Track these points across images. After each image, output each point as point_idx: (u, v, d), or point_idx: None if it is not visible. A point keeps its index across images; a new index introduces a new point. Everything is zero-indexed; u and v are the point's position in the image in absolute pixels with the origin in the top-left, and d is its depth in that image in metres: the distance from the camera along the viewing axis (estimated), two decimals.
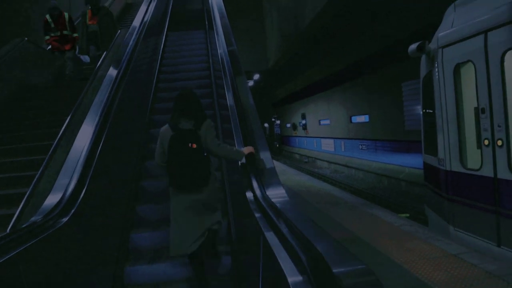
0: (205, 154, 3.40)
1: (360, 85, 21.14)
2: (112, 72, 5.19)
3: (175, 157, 3.33)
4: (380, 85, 18.88)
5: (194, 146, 3.31)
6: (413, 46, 5.41)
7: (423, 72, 5.91)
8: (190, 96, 3.53)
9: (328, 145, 28.02)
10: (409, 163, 15.84)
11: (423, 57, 5.79)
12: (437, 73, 5.15)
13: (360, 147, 21.68)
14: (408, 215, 11.14)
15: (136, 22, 7.85)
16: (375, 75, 18.94)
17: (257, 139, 3.78)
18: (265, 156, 3.49)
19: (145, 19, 8.39)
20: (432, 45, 5.27)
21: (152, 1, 10.31)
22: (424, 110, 6.17)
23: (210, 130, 3.43)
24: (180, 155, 3.32)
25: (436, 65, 5.15)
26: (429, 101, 5.67)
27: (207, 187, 3.41)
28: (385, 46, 15.10)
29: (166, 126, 3.48)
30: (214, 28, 8.31)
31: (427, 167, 6.12)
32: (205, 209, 3.46)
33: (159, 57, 8.44)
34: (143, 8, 9.08)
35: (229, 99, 5.07)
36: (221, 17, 8.15)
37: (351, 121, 23.55)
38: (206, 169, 3.40)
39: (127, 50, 6.15)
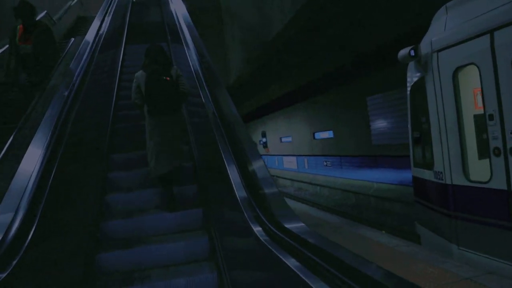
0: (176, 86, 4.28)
1: (323, 101, 20.96)
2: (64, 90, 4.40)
3: (153, 87, 4.13)
4: (344, 100, 18.76)
5: (168, 79, 4.18)
6: (404, 52, 5.00)
7: (411, 79, 5.51)
8: (159, 48, 4.44)
9: (290, 162, 27.59)
10: (377, 178, 15.64)
11: (411, 64, 5.41)
12: (432, 79, 4.75)
13: (325, 163, 21.32)
14: (383, 231, 10.79)
15: (91, 33, 7.03)
16: (338, 89, 18.82)
17: (248, 150, 3.24)
18: (259, 165, 3.03)
19: (101, 31, 7.61)
20: (424, 50, 4.89)
21: (107, 15, 9.57)
22: (412, 121, 5.76)
23: (178, 71, 4.41)
24: (157, 85, 4.12)
25: (431, 70, 4.75)
26: (420, 110, 5.27)
27: (180, 112, 4.49)
28: (349, 60, 14.99)
29: (140, 71, 4.32)
30: (183, 40, 7.63)
31: (418, 181, 5.68)
32: (179, 133, 4.45)
33: (119, 67, 7.63)
34: (96, 22, 8.24)
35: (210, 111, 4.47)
36: (190, 29, 7.53)
37: (314, 138, 23.29)
38: (178, 96, 4.32)
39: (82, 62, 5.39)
